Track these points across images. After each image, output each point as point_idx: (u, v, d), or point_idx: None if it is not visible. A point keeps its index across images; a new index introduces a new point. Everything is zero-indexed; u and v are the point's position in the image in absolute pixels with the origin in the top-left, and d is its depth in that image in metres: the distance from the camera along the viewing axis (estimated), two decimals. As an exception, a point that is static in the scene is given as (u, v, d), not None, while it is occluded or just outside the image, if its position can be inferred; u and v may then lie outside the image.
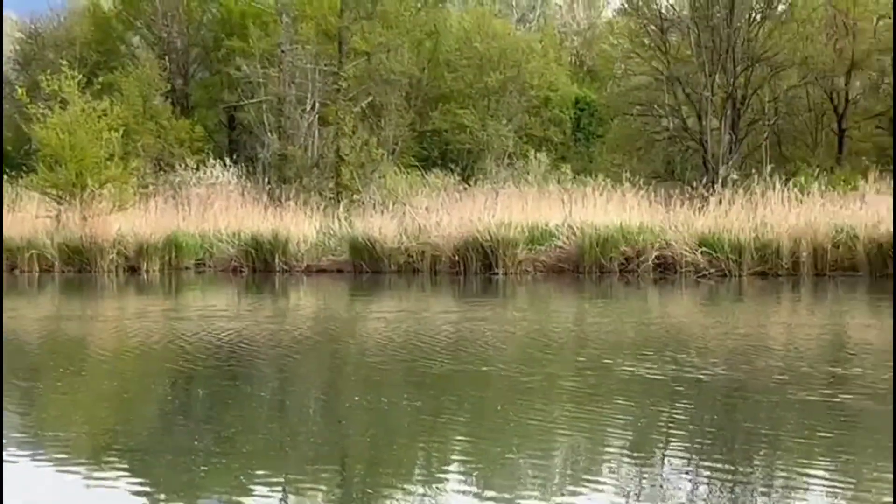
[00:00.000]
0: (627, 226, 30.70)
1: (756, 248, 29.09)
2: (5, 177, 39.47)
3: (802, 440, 9.44)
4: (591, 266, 30.22)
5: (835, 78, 48.68)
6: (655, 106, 48.14)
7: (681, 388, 11.92)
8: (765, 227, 29.38)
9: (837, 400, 11.01)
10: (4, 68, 56.40)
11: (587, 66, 65.38)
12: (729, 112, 45.90)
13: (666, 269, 29.71)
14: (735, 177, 33.67)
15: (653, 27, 48.60)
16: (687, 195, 33.42)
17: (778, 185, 31.04)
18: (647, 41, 49.30)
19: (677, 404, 11.21)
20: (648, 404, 11.13)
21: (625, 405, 11.19)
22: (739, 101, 46.39)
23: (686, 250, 29.35)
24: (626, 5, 51.97)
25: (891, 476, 8.00)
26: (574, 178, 38.96)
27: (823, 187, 31.58)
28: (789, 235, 29.10)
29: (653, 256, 29.92)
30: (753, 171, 35.68)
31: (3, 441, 9.37)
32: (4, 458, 8.82)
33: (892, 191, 29.71)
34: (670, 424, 10.18)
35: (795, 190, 31.06)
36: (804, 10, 49.20)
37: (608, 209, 32.18)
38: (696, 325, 18.98)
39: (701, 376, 12.66)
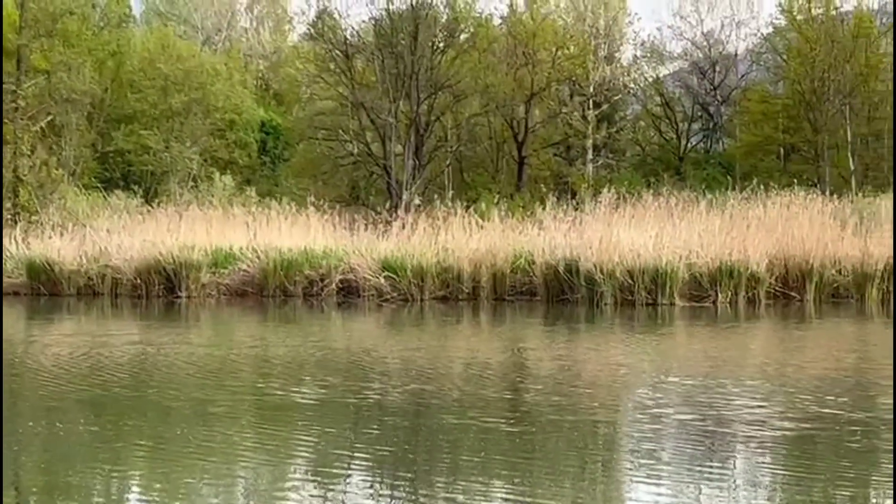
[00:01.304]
0: (312, 249, 30.79)
1: (438, 273, 29.51)
2: None
3: (478, 460, 9.62)
4: (276, 289, 30.18)
5: (515, 107, 49.94)
6: (340, 131, 48.51)
7: (358, 411, 12.00)
8: (446, 253, 29.83)
9: (504, 422, 11.25)
10: None
11: (273, 90, 65.39)
12: (413, 138, 46.60)
13: (349, 293, 29.87)
14: (418, 202, 34.13)
15: (338, 52, 48.95)
16: (371, 220, 33.72)
17: (460, 211, 31.56)
18: (332, 66, 49.62)
19: (357, 427, 11.28)
20: (328, 428, 11.16)
21: (305, 429, 11.19)
22: (423, 127, 47.15)
23: (369, 274, 29.56)
24: (311, 30, 52.23)
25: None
26: (259, 201, 38.86)
27: (503, 213, 32.28)
28: (470, 261, 29.62)
29: (336, 280, 30.05)
30: (436, 196, 36.24)
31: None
32: None
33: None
34: (350, 447, 10.23)
35: (476, 216, 31.65)
36: (485, 39, 50.38)
37: (293, 233, 32.21)
38: (374, 350, 19.11)
39: (377, 399, 12.77)
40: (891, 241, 28.83)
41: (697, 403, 12.30)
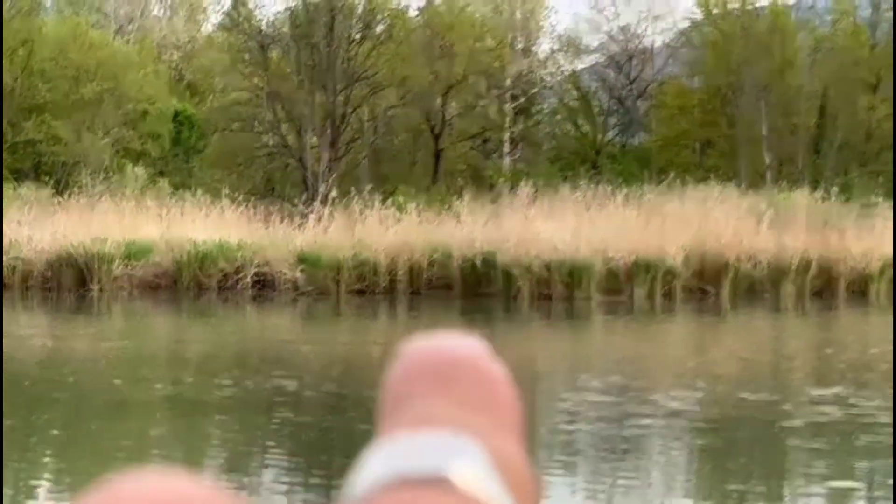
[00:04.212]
0: (226, 242, 30.46)
1: (354, 266, 29.34)
2: None
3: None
4: (190, 283, 29.82)
5: (432, 99, 49.84)
6: (256, 122, 48.18)
7: (275, 405, 11.84)
8: (363, 246, 29.68)
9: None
10: None
11: (187, 80, 64.81)
12: (329, 130, 46.35)
13: (265, 287, 29.60)
14: (334, 194, 33.91)
15: (253, 43, 48.62)
16: (286, 212, 33.47)
17: (376, 204, 31.42)
18: (247, 57, 49.27)
19: (270, 422, 11.13)
20: (242, 423, 10.99)
21: (220, 424, 11.02)
22: (339, 119, 46.89)
23: (285, 268, 29.33)
24: (226, 20, 51.86)
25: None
26: (173, 192, 38.40)
27: (420, 206, 32.17)
28: (386, 254, 29.49)
29: (251, 273, 29.77)
30: (353, 189, 36.03)
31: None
32: None
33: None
34: (264, 441, 10.10)
35: (393, 209, 31.52)
36: (402, 31, 50.25)
37: (207, 225, 31.86)
38: (288, 345, 18.94)
39: (292, 395, 12.62)
40: (805, 237, 29.07)
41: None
